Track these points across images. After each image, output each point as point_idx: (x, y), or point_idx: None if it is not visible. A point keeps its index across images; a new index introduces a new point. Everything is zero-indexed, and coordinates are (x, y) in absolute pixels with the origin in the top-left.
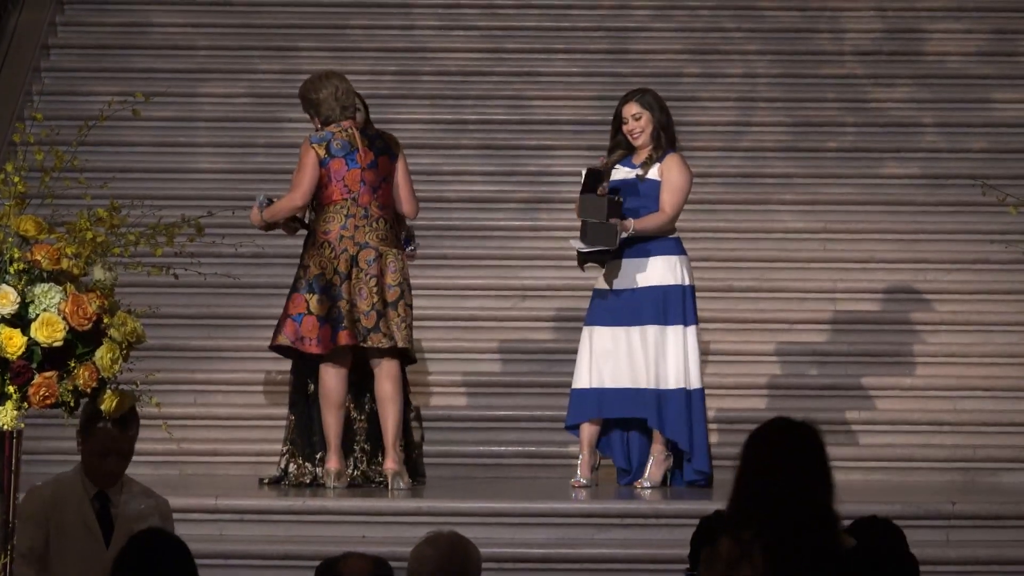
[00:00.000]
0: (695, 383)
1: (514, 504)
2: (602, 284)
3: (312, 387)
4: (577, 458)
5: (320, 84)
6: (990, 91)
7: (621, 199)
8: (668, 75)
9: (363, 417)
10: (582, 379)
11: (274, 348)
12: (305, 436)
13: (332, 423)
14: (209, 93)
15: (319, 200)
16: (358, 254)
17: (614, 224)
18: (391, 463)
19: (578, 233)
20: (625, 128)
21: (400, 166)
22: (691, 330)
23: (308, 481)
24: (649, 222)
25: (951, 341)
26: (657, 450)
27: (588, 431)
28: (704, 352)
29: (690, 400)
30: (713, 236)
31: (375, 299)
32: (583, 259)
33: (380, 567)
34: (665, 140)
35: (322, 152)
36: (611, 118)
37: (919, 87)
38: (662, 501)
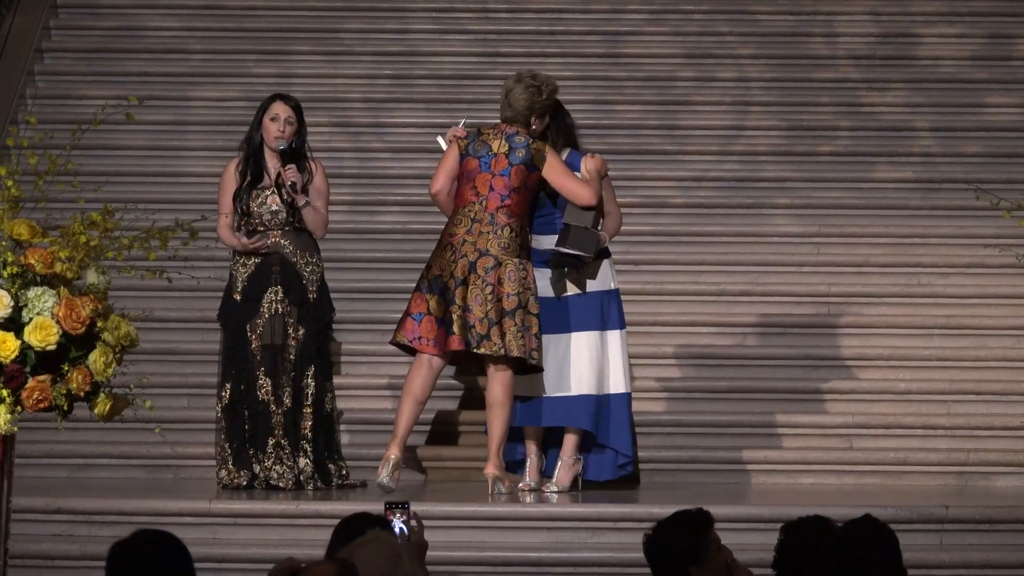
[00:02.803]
0: (629, 387)
1: (508, 508)
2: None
3: (241, 388)
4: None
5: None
6: (984, 95)
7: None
8: (662, 79)
9: (281, 411)
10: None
11: (394, 344)
12: (236, 439)
13: (404, 412)
14: (203, 97)
15: (454, 200)
16: (477, 260)
17: (596, 233)
18: (491, 468)
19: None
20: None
21: (550, 174)
22: (623, 334)
23: (245, 484)
24: (610, 229)
25: (945, 345)
26: (567, 454)
27: (533, 435)
28: (698, 356)
29: (628, 403)
30: (707, 240)
31: (489, 307)
32: (557, 262)
33: (346, 570)
34: (561, 143)
35: (463, 146)
36: (605, 122)
37: (913, 91)
38: (656, 505)
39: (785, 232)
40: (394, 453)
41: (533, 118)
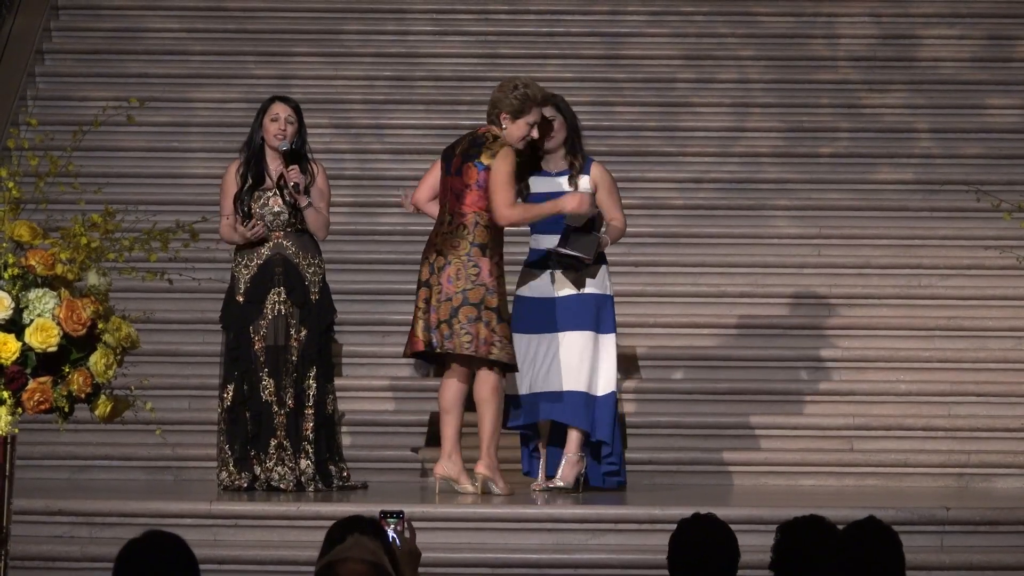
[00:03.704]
0: (614, 387)
1: (508, 509)
2: (531, 292)
3: (244, 390)
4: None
5: None
6: (984, 97)
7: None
8: (662, 80)
9: (283, 412)
10: (511, 385)
11: (409, 356)
12: (238, 441)
13: (442, 427)
14: (203, 98)
15: None
16: (435, 262)
17: (596, 236)
18: (482, 467)
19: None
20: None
21: (491, 175)
22: (614, 337)
23: (246, 485)
24: (614, 235)
25: (945, 347)
26: (571, 451)
27: (544, 435)
28: (698, 357)
29: (616, 404)
30: (707, 241)
31: (441, 307)
32: (557, 262)
33: (378, 571)
34: (579, 146)
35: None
36: (605, 124)
37: (913, 93)
38: (656, 506)
39: (785, 234)
40: (438, 473)
41: (502, 115)
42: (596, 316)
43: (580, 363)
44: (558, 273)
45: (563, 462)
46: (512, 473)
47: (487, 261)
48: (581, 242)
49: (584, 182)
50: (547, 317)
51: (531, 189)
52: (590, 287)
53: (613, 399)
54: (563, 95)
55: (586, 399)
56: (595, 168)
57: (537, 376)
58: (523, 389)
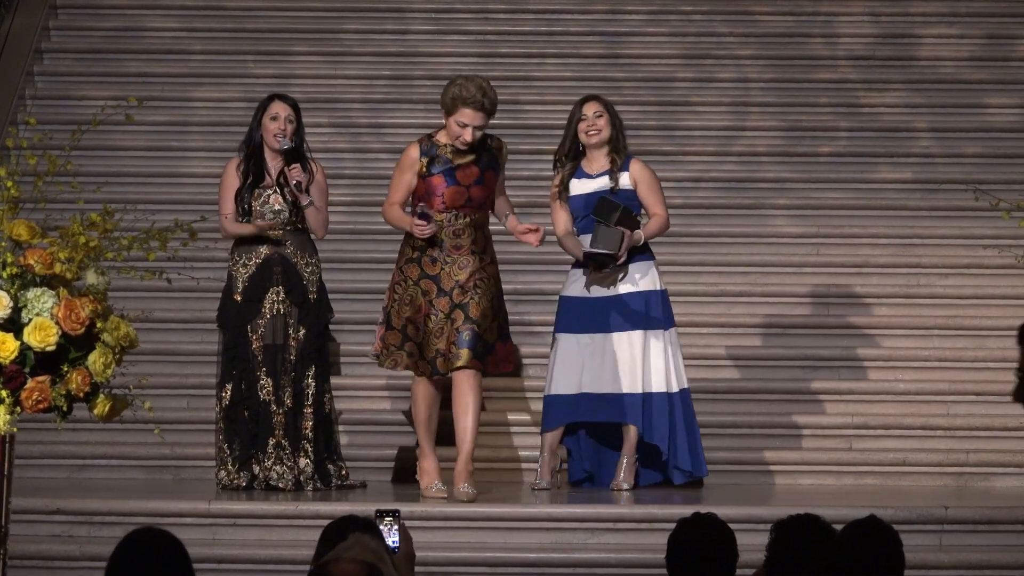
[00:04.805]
0: (677, 385)
1: (508, 508)
2: (579, 291)
3: (242, 389)
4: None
5: None
6: (983, 96)
7: (634, 211)
8: (661, 79)
9: (281, 411)
10: (559, 385)
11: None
12: (237, 440)
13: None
14: (203, 97)
15: None
16: None
17: (620, 231)
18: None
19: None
20: (583, 125)
21: None
22: (672, 332)
23: (244, 484)
24: (652, 229)
25: (944, 346)
26: (629, 452)
27: (551, 435)
28: (697, 356)
29: (672, 402)
30: (706, 240)
31: None
32: (597, 262)
33: (372, 571)
34: (623, 144)
35: None
36: None
37: (912, 92)
38: (655, 505)
39: (784, 233)
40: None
41: (442, 111)
42: (645, 314)
43: (633, 363)
44: (598, 274)
45: (623, 463)
46: (504, 472)
47: (396, 268)
48: (604, 238)
49: (624, 179)
50: (595, 317)
51: (571, 192)
52: (637, 285)
53: (665, 399)
54: (561, 94)
55: (643, 400)
56: (634, 164)
57: (587, 376)
58: (567, 389)
